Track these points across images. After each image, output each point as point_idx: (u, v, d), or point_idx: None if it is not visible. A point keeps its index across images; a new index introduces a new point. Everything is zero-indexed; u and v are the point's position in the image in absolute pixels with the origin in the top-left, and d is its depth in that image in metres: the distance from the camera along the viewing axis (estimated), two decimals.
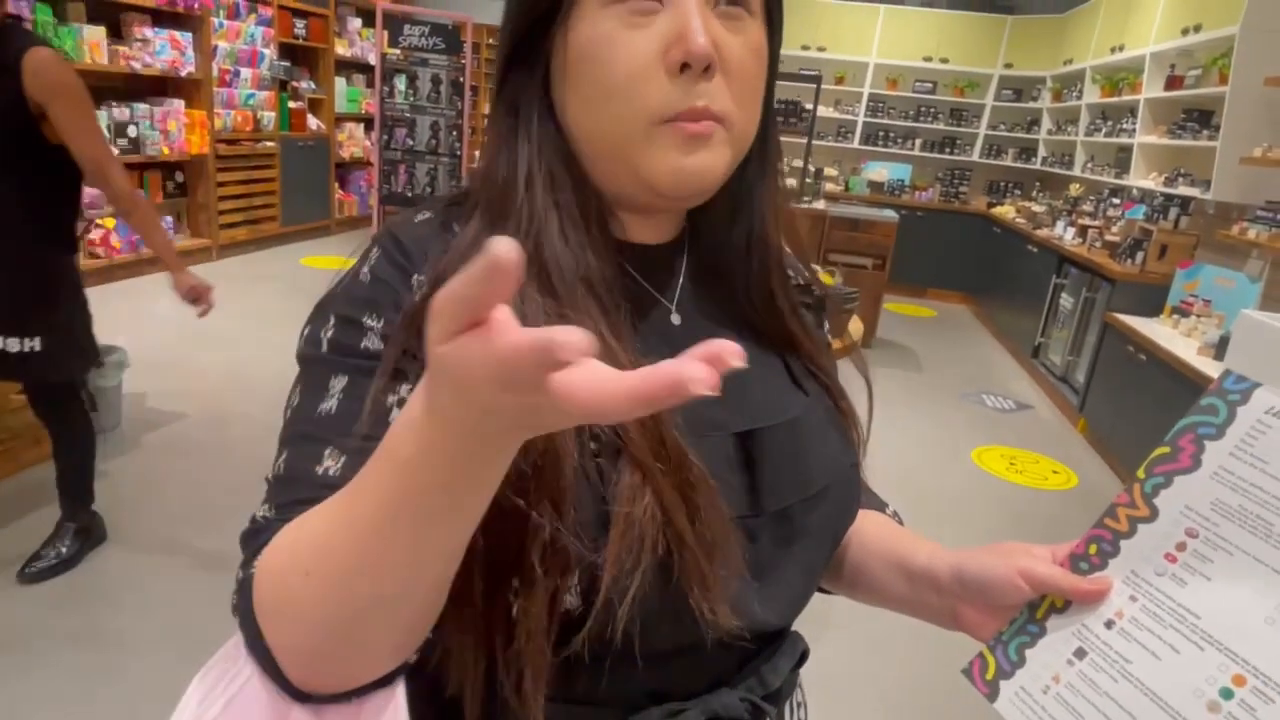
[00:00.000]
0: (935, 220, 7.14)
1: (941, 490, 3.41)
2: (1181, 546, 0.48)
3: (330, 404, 0.47)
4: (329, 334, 0.49)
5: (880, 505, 0.71)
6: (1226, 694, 0.43)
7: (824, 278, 2.73)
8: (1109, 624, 0.49)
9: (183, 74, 5.24)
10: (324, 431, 0.46)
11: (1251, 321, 0.49)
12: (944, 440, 4.00)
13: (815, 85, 5.33)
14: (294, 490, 0.45)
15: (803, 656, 0.62)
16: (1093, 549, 0.51)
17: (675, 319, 0.57)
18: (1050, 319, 5.09)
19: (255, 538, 0.44)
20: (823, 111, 6.91)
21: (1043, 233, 5.58)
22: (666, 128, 0.48)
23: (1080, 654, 0.50)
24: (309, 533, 0.40)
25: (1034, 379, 5.13)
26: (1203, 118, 4.26)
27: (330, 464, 0.45)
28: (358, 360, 0.47)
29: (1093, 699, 0.47)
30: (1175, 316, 3.75)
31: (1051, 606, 0.52)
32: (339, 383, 0.47)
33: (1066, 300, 4.84)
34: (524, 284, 0.47)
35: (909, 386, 4.78)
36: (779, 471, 0.53)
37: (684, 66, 0.47)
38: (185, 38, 5.24)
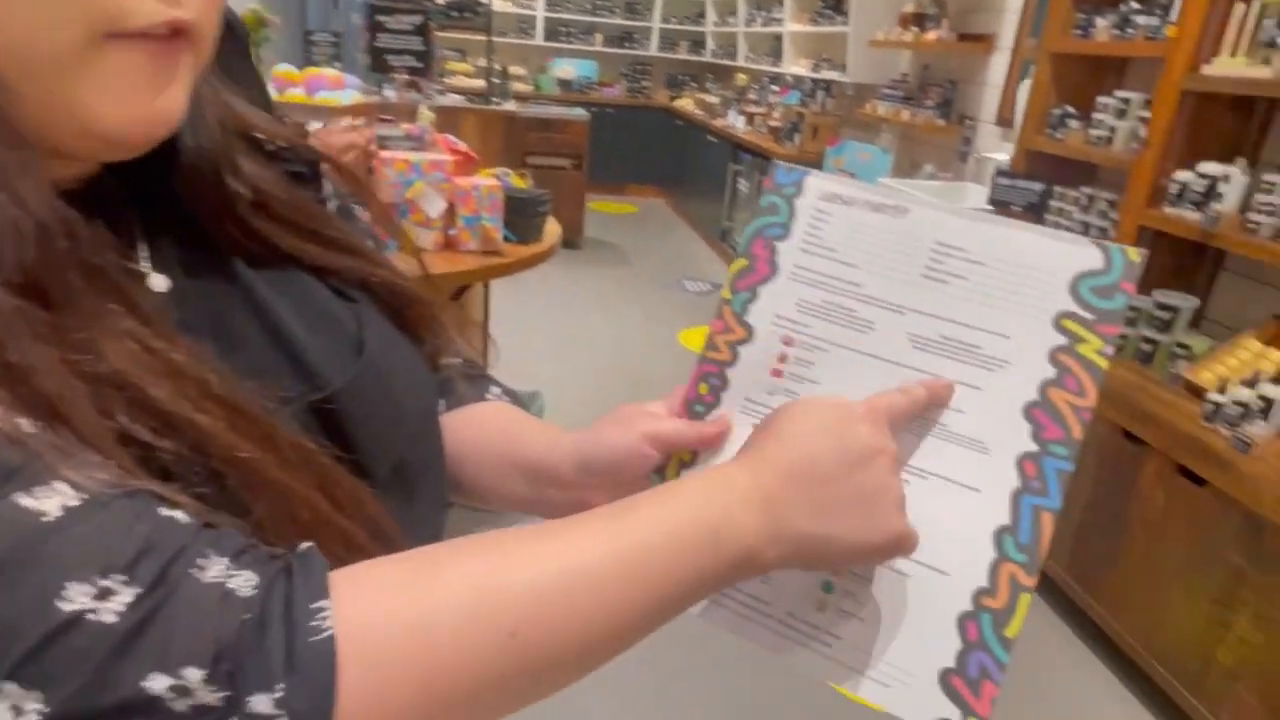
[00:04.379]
0: (624, 116, 7.30)
1: (653, 372, 3.62)
2: (783, 358, 0.47)
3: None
4: None
5: (481, 392, 0.61)
6: None
7: (515, 180, 2.62)
8: None
9: None
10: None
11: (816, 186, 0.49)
12: (653, 326, 4.23)
13: None
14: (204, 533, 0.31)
15: None
16: (704, 388, 0.49)
17: (159, 283, 0.41)
18: (732, 203, 5.50)
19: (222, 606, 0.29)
20: (499, 6, 6.61)
21: (718, 123, 5.95)
22: (121, 46, 0.33)
23: None
24: (516, 578, 0.33)
25: (725, 260, 5.57)
26: (837, 4, 4.73)
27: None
28: None
29: None
30: None
31: (680, 463, 0.49)
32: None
33: (744, 185, 5.25)
34: None
35: (619, 281, 4.95)
36: (374, 425, 0.44)
37: None
38: None
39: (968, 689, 0.41)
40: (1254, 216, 1.96)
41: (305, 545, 0.32)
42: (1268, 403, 1.77)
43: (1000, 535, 0.42)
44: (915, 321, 0.45)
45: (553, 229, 2.42)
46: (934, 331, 0.45)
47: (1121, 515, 2.01)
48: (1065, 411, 0.42)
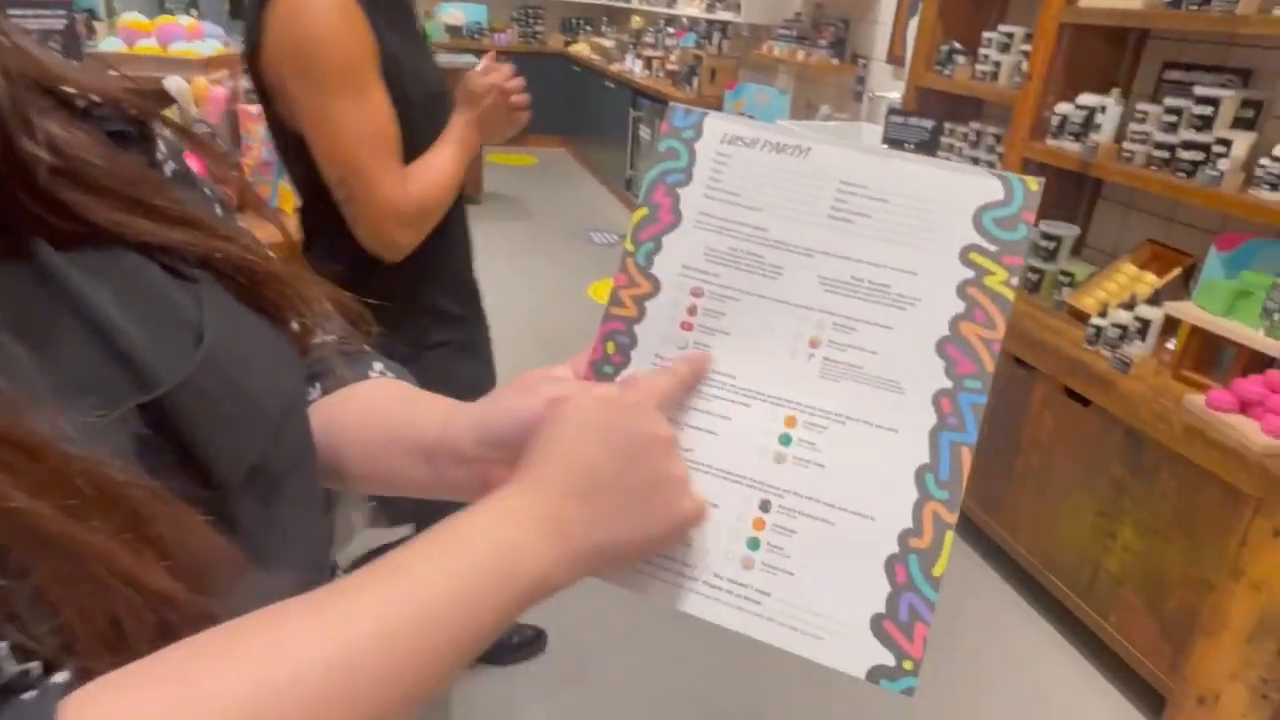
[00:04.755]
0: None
1: (564, 328, 3.57)
2: (693, 310, 0.46)
3: None
4: None
5: (363, 370, 0.57)
6: (785, 440, 0.43)
7: None
8: None
9: None
10: None
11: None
12: (561, 281, 4.16)
13: None
14: None
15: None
16: (611, 347, 0.47)
17: None
18: (635, 151, 5.42)
19: None
20: None
21: (615, 68, 5.82)
22: None
23: None
24: (285, 678, 0.29)
25: (631, 209, 5.50)
26: None
27: None
28: None
29: None
30: None
31: None
32: None
33: (645, 131, 5.17)
34: None
35: (522, 235, 4.84)
36: (221, 426, 0.38)
37: None
38: None
39: (900, 632, 0.40)
40: (1128, 145, 2.05)
41: (35, 692, 0.26)
42: (1144, 324, 1.88)
43: (921, 474, 0.41)
44: (824, 264, 0.44)
45: None
46: (844, 273, 0.44)
47: (1014, 438, 2.11)
48: (976, 345, 0.42)
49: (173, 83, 2.10)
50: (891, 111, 2.82)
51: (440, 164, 1.19)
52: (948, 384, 0.42)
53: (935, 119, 2.72)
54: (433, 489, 0.50)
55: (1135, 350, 1.86)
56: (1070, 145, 2.19)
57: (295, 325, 0.48)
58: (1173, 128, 1.94)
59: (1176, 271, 2.04)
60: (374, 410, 0.53)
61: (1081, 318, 2.07)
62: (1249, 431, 1.54)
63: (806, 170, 0.45)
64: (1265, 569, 1.50)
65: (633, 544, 0.40)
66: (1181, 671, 1.66)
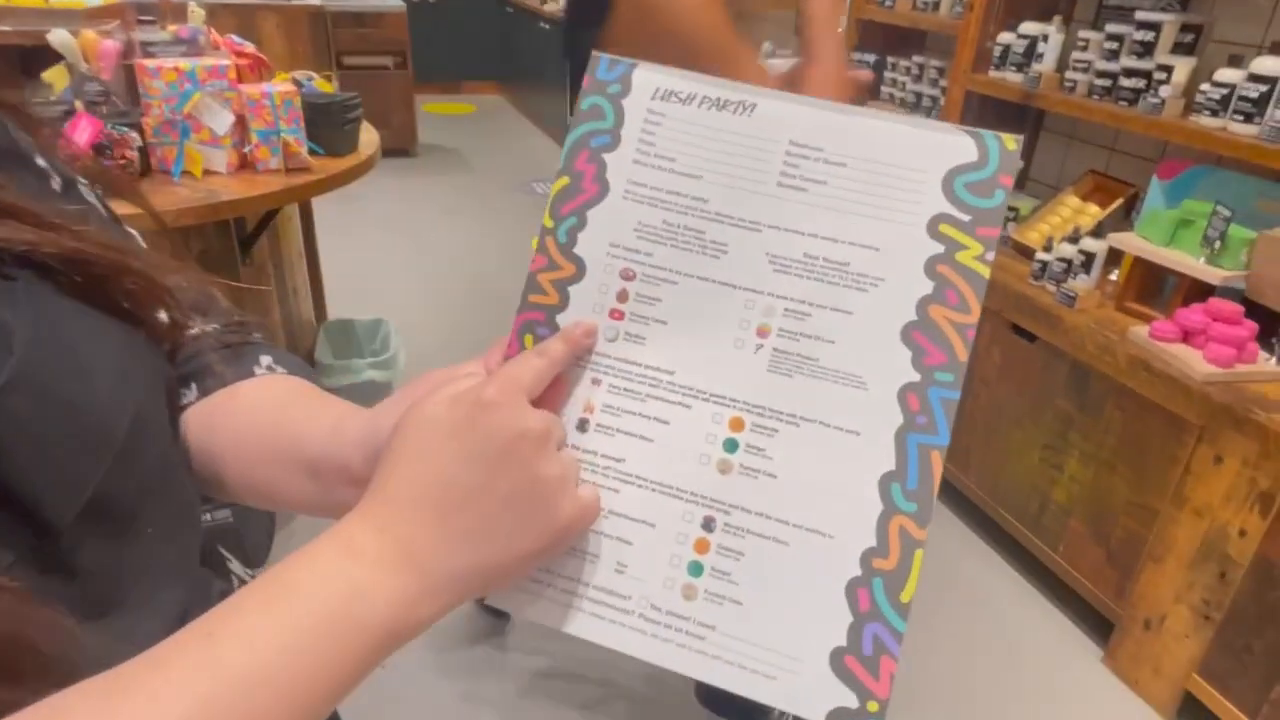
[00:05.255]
0: (447, 4, 6.72)
1: (508, 285, 3.44)
2: (624, 296, 0.40)
3: None
4: None
5: (247, 367, 0.50)
6: (731, 446, 0.38)
7: (321, 85, 2.30)
8: (582, 425, 0.39)
9: None
10: None
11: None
12: (503, 236, 4.03)
13: None
14: None
15: None
16: (530, 341, 0.41)
17: None
18: (573, 95, 5.24)
19: None
20: None
21: (550, 7, 5.59)
22: None
23: None
24: None
25: None
26: None
27: None
28: None
29: (598, 525, 0.39)
30: None
31: None
32: None
33: None
34: None
35: (462, 189, 4.66)
36: (41, 454, 0.31)
37: None
38: None
39: (863, 669, 0.35)
40: (1070, 75, 2.02)
41: None
42: (1088, 256, 1.88)
43: (886, 483, 0.36)
44: (773, 239, 0.38)
45: (369, 137, 2.17)
46: (796, 249, 0.38)
47: (964, 377, 2.12)
48: (947, 330, 0.37)
49: (57, 36, 1.91)
50: None
51: None
52: (915, 377, 0.37)
53: (878, 53, 2.65)
54: (324, 508, 0.43)
55: (1080, 284, 1.87)
56: (1013, 76, 2.15)
57: (164, 318, 0.41)
58: (1114, 55, 1.91)
59: (1119, 202, 2.03)
60: (257, 416, 0.46)
61: (1027, 252, 2.07)
62: (1191, 361, 1.56)
63: (752, 130, 0.39)
64: (1207, 494, 1.53)
65: (506, 564, 0.35)
66: (1128, 597, 1.71)
